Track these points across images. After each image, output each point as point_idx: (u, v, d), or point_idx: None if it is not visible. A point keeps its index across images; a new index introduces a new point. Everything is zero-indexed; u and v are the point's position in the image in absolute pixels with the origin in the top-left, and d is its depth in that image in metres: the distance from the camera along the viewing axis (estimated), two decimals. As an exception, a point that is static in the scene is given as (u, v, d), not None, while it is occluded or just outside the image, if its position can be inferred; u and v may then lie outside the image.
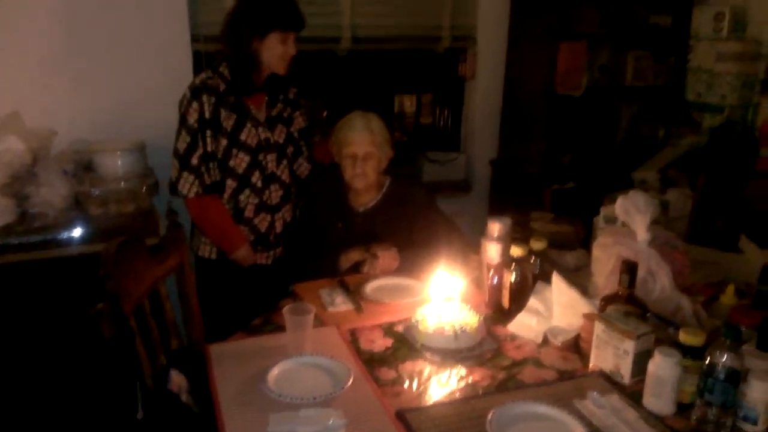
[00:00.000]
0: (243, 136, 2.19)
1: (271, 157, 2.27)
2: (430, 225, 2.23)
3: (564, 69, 3.23)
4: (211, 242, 2.29)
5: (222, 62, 2.20)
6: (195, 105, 2.12)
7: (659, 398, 1.36)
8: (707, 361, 1.30)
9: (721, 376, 1.28)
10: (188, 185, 2.16)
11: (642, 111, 3.59)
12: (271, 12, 2.11)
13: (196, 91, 2.14)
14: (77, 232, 2.27)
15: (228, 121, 2.17)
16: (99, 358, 1.92)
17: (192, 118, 2.13)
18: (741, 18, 3.41)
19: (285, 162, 2.33)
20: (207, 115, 2.13)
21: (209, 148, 2.16)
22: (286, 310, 1.55)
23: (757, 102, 3.39)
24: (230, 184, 2.22)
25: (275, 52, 2.15)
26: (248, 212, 2.27)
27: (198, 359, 1.55)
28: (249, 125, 2.20)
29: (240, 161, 2.20)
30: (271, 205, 2.30)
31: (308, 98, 2.48)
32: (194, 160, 2.15)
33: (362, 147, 2.20)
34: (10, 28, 2.54)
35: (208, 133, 2.15)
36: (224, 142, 2.17)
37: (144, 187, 2.46)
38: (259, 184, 2.25)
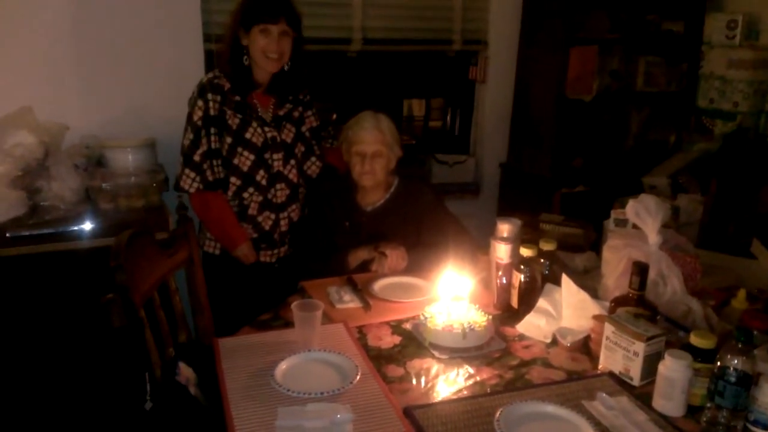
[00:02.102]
0: (248, 135, 2.21)
1: (277, 156, 2.27)
2: (438, 225, 2.23)
3: (575, 73, 3.23)
4: (214, 238, 2.31)
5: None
6: (200, 103, 2.16)
7: (669, 400, 1.35)
8: (718, 364, 1.29)
9: (732, 379, 1.26)
10: (189, 181, 2.19)
11: (653, 116, 3.58)
12: (251, 6, 2.15)
13: (202, 90, 2.18)
14: (87, 226, 2.28)
15: (233, 120, 2.19)
16: (108, 349, 1.92)
17: (196, 116, 2.16)
18: (754, 26, 3.41)
19: (293, 161, 2.32)
20: (212, 112, 2.16)
21: (213, 146, 2.19)
22: (294, 305, 1.55)
23: (769, 109, 3.38)
24: (234, 181, 2.23)
25: (257, 45, 2.15)
26: (252, 210, 2.28)
27: (206, 353, 1.55)
28: (254, 124, 2.22)
29: (244, 159, 2.21)
30: (276, 204, 2.30)
31: (318, 101, 2.48)
32: (197, 157, 2.18)
33: (372, 145, 2.20)
34: (23, 25, 2.55)
35: (213, 130, 2.18)
36: (229, 140, 2.19)
37: (154, 183, 2.47)
38: (264, 182, 2.26)
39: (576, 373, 1.52)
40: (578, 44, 3.20)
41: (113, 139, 2.56)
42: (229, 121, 2.18)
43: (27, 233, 2.20)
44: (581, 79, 3.25)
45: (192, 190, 2.20)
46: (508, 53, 3.47)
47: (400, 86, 3.72)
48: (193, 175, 2.18)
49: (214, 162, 2.20)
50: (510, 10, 3.40)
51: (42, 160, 2.37)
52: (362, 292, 1.91)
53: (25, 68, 2.59)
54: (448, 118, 3.85)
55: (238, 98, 2.20)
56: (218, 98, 2.16)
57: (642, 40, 3.42)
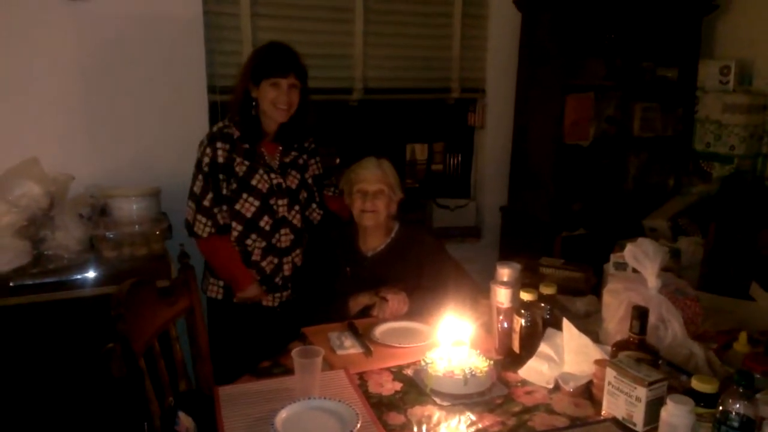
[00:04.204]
0: (254, 182, 2.26)
1: (282, 202, 2.31)
2: (439, 270, 2.24)
3: (572, 120, 3.27)
4: (218, 283, 2.34)
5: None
6: (209, 150, 2.22)
7: (673, 446, 1.33)
8: (720, 409, 1.28)
9: (735, 424, 1.25)
10: (202, 226, 2.23)
11: (651, 160, 3.61)
12: (262, 61, 2.23)
13: (212, 138, 2.24)
14: (90, 274, 2.30)
15: (241, 167, 2.24)
16: (108, 398, 1.92)
17: (204, 162, 2.22)
18: (747, 71, 3.46)
19: (297, 207, 2.37)
20: (220, 159, 2.21)
21: (223, 192, 2.24)
22: (294, 352, 1.55)
23: (765, 152, 3.41)
24: (235, 226, 2.27)
25: (267, 97, 2.21)
26: (255, 256, 2.31)
27: (206, 401, 1.54)
28: (261, 171, 2.27)
29: (248, 206, 2.26)
30: (280, 249, 2.33)
31: (321, 147, 2.54)
32: (206, 203, 2.22)
33: (374, 184, 2.25)
34: (30, 76, 2.61)
35: (221, 177, 2.22)
36: (234, 185, 2.24)
37: (157, 231, 2.49)
38: (267, 228, 2.29)
39: (579, 419, 1.51)
40: (574, 91, 3.26)
41: (118, 188, 2.59)
42: (237, 168, 2.23)
43: (30, 282, 2.21)
44: (578, 124, 3.29)
45: (205, 235, 2.24)
46: (505, 100, 3.52)
47: (401, 131, 3.78)
48: (204, 220, 2.23)
49: (223, 207, 2.25)
50: (506, 59, 3.47)
51: (47, 209, 2.39)
52: (363, 337, 1.91)
53: (32, 120, 2.64)
54: (450, 161, 3.90)
55: (246, 146, 2.25)
56: (227, 146, 2.22)
57: (637, 86, 3.48)
